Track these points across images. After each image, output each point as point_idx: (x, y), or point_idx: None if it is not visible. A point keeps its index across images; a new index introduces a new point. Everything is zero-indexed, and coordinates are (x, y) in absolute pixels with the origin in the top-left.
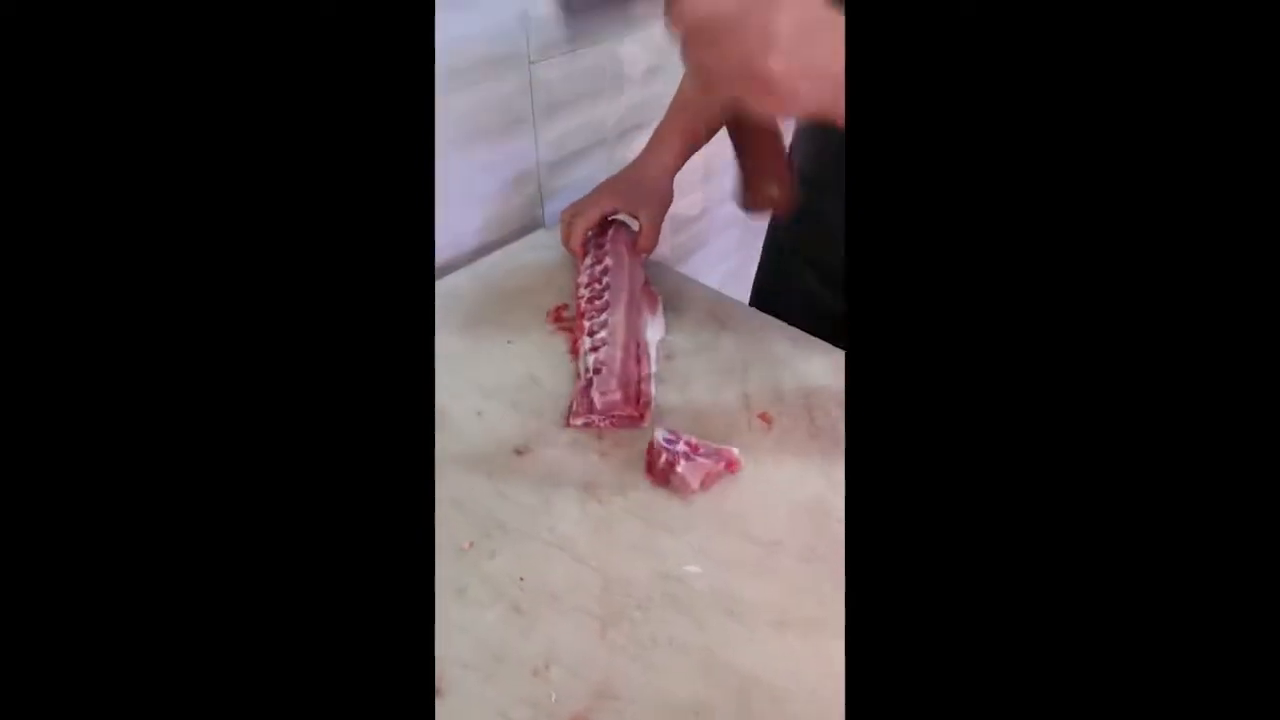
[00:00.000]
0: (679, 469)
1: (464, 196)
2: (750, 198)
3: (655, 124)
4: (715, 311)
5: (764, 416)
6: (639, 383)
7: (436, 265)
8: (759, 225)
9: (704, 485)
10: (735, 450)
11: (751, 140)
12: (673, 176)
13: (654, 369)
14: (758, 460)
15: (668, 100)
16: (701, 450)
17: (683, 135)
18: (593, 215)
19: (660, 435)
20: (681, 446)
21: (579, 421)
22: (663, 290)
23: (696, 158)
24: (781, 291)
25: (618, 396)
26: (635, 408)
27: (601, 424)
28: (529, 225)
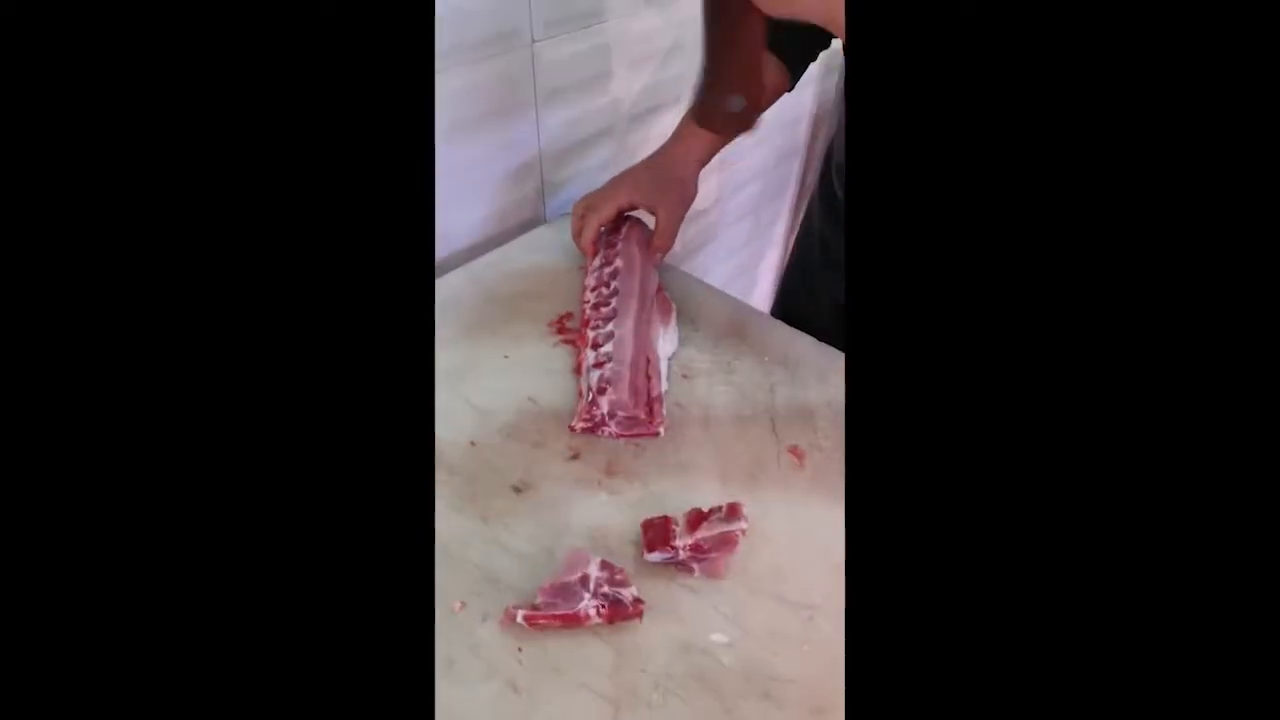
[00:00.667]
0: (697, 574)
1: (458, 190)
2: (708, 109)
3: (671, 109)
4: (734, 322)
5: (795, 452)
6: (649, 402)
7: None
8: (772, 218)
9: (730, 558)
10: (744, 522)
11: (728, 38)
12: (699, 171)
13: (666, 386)
14: (791, 506)
15: (690, 80)
16: (708, 546)
17: None
18: (608, 210)
19: (656, 559)
20: (684, 555)
21: (581, 426)
22: (675, 296)
23: None
24: (809, 302)
25: (627, 398)
26: (646, 412)
27: (609, 433)
28: (529, 222)
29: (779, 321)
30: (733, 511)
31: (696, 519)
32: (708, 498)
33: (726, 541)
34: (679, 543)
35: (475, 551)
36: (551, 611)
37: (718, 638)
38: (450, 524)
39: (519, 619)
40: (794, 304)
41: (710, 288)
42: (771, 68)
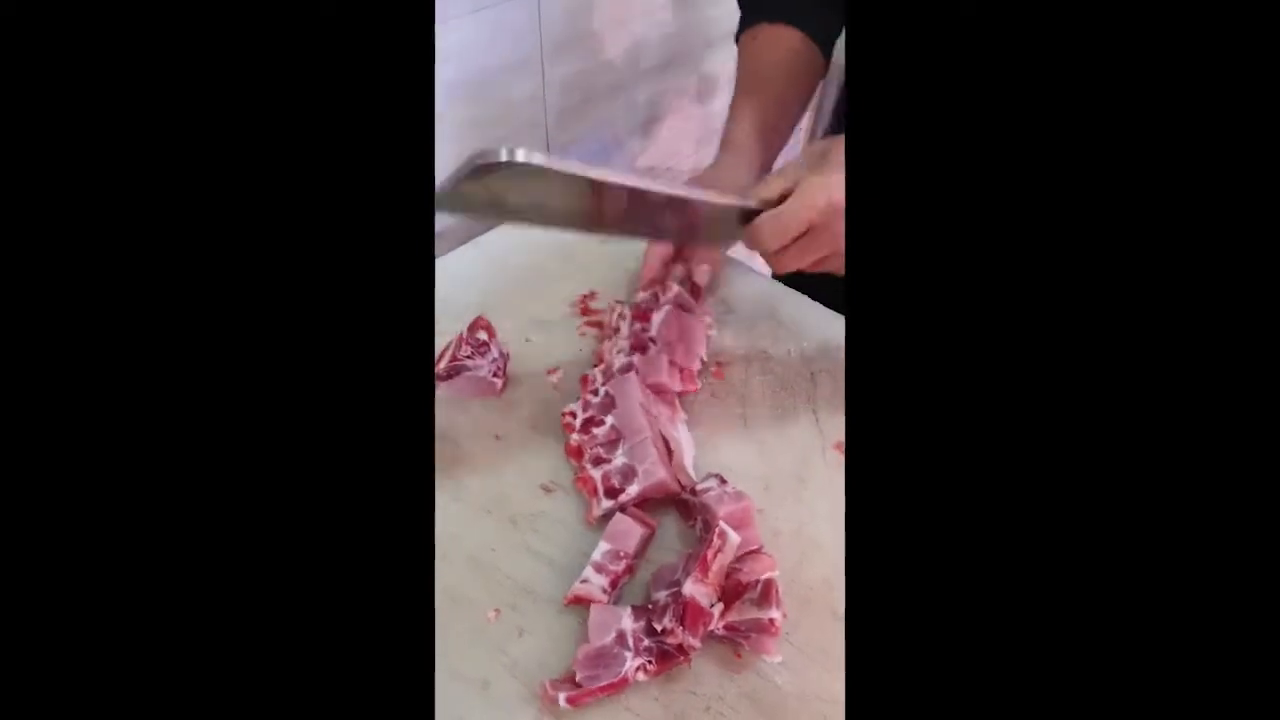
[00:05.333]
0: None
1: (456, 151)
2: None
3: (680, 65)
4: (768, 304)
5: (841, 449)
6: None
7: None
8: None
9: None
10: (777, 610)
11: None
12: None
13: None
14: (840, 509)
15: (703, 33)
16: (743, 627)
17: (761, 131)
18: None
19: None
20: (720, 632)
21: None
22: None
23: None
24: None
25: (662, 475)
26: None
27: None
28: None
29: (815, 302)
30: (766, 596)
31: (733, 593)
32: (753, 502)
33: (763, 630)
34: (715, 623)
35: (506, 559)
36: (595, 685)
37: (770, 657)
38: (478, 529)
39: (561, 702)
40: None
41: (741, 265)
42: None
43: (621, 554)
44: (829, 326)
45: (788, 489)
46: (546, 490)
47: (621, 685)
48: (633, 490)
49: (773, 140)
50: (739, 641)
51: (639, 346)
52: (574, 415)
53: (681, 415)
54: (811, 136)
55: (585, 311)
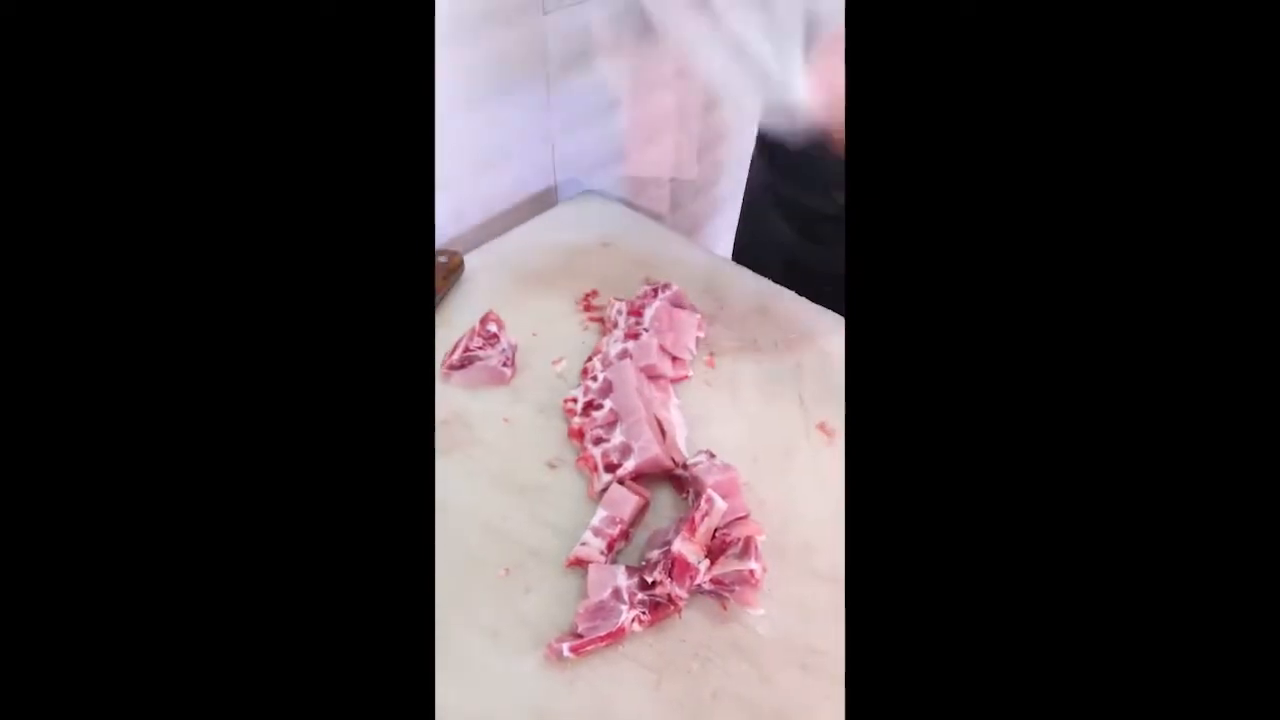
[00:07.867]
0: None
1: (470, 163)
2: None
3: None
4: (758, 299)
5: (824, 428)
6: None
7: (440, 245)
8: None
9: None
10: (756, 562)
11: None
12: None
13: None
14: (822, 482)
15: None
16: (728, 581)
17: None
18: None
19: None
20: (707, 586)
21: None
22: (696, 275)
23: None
24: (756, 241)
25: (656, 451)
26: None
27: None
28: (543, 195)
29: (802, 298)
30: (746, 550)
31: (719, 547)
32: (741, 474)
33: (744, 581)
34: (701, 576)
35: (516, 526)
36: (595, 635)
37: (753, 609)
38: (489, 499)
39: (565, 652)
40: (748, 247)
41: (733, 264)
42: None
43: (617, 520)
44: (815, 321)
45: (774, 464)
46: (552, 467)
47: (619, 635)
48: (629, 465)
49: None
50: (724, 595)
51: (633, 337)
52: (574, 402)
53: (675, 400)
54: None
55: (588, 308)
